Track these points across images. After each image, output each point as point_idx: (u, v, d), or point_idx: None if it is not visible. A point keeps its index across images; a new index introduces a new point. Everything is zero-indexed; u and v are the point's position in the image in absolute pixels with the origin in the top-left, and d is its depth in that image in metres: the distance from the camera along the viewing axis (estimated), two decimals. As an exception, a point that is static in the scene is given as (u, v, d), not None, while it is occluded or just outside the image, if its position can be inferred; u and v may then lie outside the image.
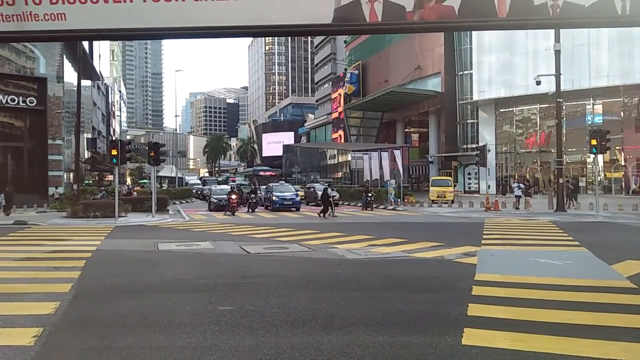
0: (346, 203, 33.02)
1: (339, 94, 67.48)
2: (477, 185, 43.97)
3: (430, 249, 11.92)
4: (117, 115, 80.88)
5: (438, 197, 31.00)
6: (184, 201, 38.53)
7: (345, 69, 69.03)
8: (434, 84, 50.17)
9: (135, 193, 33.96)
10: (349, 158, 49.99)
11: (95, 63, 50.89)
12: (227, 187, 30.91)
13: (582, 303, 6.64)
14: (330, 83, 77.23)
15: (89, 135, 50.09)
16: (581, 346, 5.01)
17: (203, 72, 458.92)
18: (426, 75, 51.15)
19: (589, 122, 38.47)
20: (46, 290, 7.69)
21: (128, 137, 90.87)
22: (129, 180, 56.78)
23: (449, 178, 38.03)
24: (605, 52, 37.11)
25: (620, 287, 7.68)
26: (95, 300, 7.32)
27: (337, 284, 8.48)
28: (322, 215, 22.58)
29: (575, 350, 4.90)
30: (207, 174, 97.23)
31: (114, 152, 21.03)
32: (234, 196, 25.22)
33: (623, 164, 37.65)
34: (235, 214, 24.78)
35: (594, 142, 22.36)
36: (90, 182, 43.82)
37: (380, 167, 34.98)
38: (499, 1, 6.19)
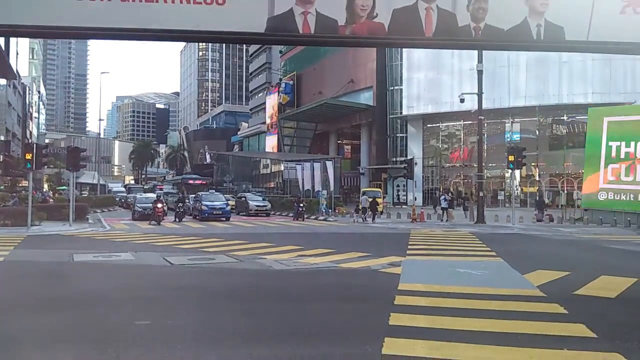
0: (278, 213, 32.87)
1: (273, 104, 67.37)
2: (405, 197, 45.32)
3: (357, 259, 12.06)
4: (35, 117, 75.67)
5: (368, 208, 31.46)
6: (105, 210, 36.84)
7: (280, 79, 69.09)
8: (366, 98, 51.33)
9: (51, 200, 31.89)
10: (282, 168, 49.86)
11: (12, 61, 47.49)
12: (153, 196, 29.75)
13: (495, 311, 6.95)
14: (265, 92, 76.98)
15: (2, 138, 46.55)
16: (493, 353, 5.24)
17: (132, 75, 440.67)
18: (359, 89, 52.25)
19: (508, 140, 40.88)
20: (-61, 306, 6.99)
21: (47, 141, 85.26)
22: (46, 187, 53.21)
23: (379, 190, 38.93)
24: (523, 74, 39.74)
25: (531, 295, 8.14)
26: (-4, 316, 6.73)
27: (263, 295, 8.35)
28: (369, 220, 26.19)
29: (487, 356, 5.15)
30: (132, 182, 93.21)
31: (29, 156, 19.90)
32: (160, 205, 24.31)
33: (537, 179, 40.33)
34: (161, 223, 23.89)
35: (511, 158, 23.79)
36: (2, 187, 40.57)
37: (313, 178, 35.17)
38: (426, 21, 6.44)
